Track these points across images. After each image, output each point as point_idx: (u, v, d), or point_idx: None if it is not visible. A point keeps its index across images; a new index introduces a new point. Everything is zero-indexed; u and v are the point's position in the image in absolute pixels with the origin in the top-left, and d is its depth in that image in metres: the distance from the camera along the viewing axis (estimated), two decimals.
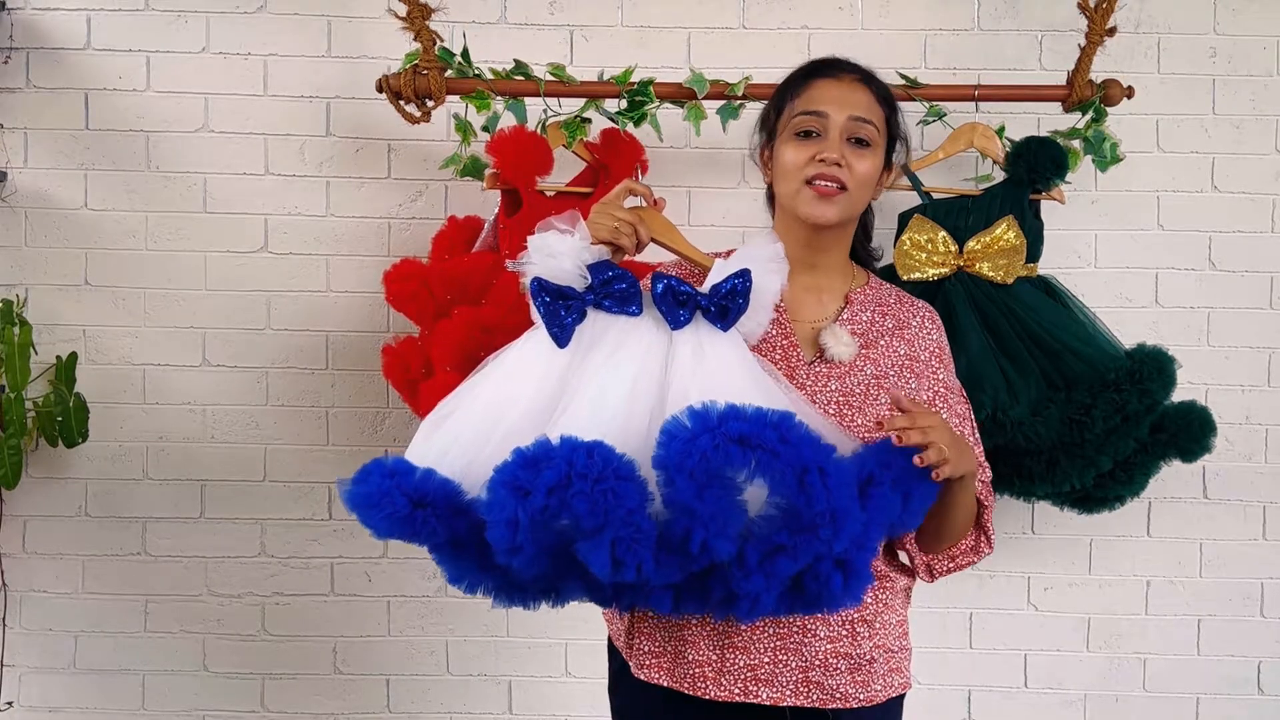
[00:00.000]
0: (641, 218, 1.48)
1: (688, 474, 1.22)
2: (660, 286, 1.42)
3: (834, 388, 1.52)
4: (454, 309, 2.15)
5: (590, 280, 1.43)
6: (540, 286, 1.41)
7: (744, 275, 1.44)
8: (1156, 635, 2.62)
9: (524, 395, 1.39)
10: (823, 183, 1.49)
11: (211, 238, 2.56)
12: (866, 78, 1.56)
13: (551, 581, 1.35)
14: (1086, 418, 2.12)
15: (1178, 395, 2.21)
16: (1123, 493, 2.24)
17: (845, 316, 1.57)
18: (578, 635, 2.59)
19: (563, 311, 1.41)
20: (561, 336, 1.41)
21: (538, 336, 1.44)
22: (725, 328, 1.43)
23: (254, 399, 2.59)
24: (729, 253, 1.56)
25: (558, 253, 1.42)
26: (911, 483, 1.35)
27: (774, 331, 1.54)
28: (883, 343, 1.57)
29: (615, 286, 1.43)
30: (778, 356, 1.53)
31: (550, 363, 1.41)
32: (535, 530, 1.23)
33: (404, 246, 2.54)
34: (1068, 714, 2.63)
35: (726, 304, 1.43)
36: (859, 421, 1.51)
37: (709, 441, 1.23)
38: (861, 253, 1.68)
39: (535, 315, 1.44)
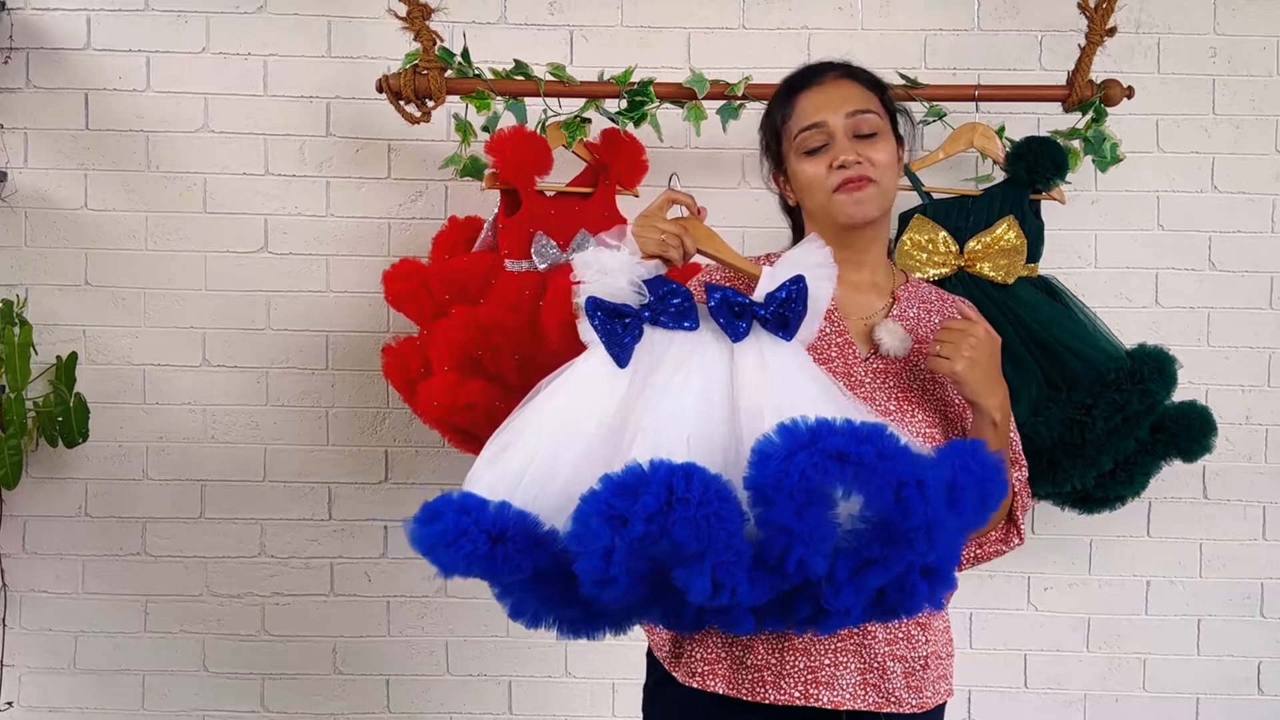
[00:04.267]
0: (686, 228, 1.45)
1: (787, 494, 1.18)
2: (716, 299, 1.39)
3: (891, 384, 1.52)
4: (452, 309, 2.15)
5: (646, 296, 1.39)
6: (595, 305, 1.37)
7: (798, 281, 1.40)
8: (1156, 635, 2.62)
9: (590, 419, 1.35)
10: (850, 185, 1.48)
11: (211, 238, 2.56)
12: (847, 71, 1.55)
13: (634, 610, 1.31)
14: (1087, 418, 2.12)
15: (1178, 395, 2.21)
16: (1123, 493, 2.24)
17: (895, 313, 1.57)
18: None
19: (620, 330, 1.37)
20: (622, 356, 1.37)
21: (595, 358, 1.39)
22: (788, 337, 1.39)
23: (254, 399, 2.59)
24: (769, 257, 1.54)
25: (611, 269, 1.38)
26: (989, 485, 1.31)
27: (828, 329, 1.53)
28: (931, 338, 1.55)
29: (671, 302, 1.39)
30: (833, 354, 1.52)
31: (612, 385, 1.37)
32: (630, 559, 1.18)
33: (404, 246, 2.54)
34: (1068, 714, 2.63)
35: (785, 312, 1.39)
36: (918, 417, 1.51)
37: (807, 459, 1.19)
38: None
39: (589, 335, 1.39)
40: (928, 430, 1.51)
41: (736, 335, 1.39)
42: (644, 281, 1.40)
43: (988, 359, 1.45)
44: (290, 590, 2.61)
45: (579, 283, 1.40)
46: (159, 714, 2.62)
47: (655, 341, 1.39)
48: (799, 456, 1.19)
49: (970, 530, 1.36)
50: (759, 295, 1.42)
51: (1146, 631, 2.62)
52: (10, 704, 2.57)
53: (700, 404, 1.34)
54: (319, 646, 2.62)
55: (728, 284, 1.55)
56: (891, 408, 1.50)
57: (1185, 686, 2.62)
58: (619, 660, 2.54)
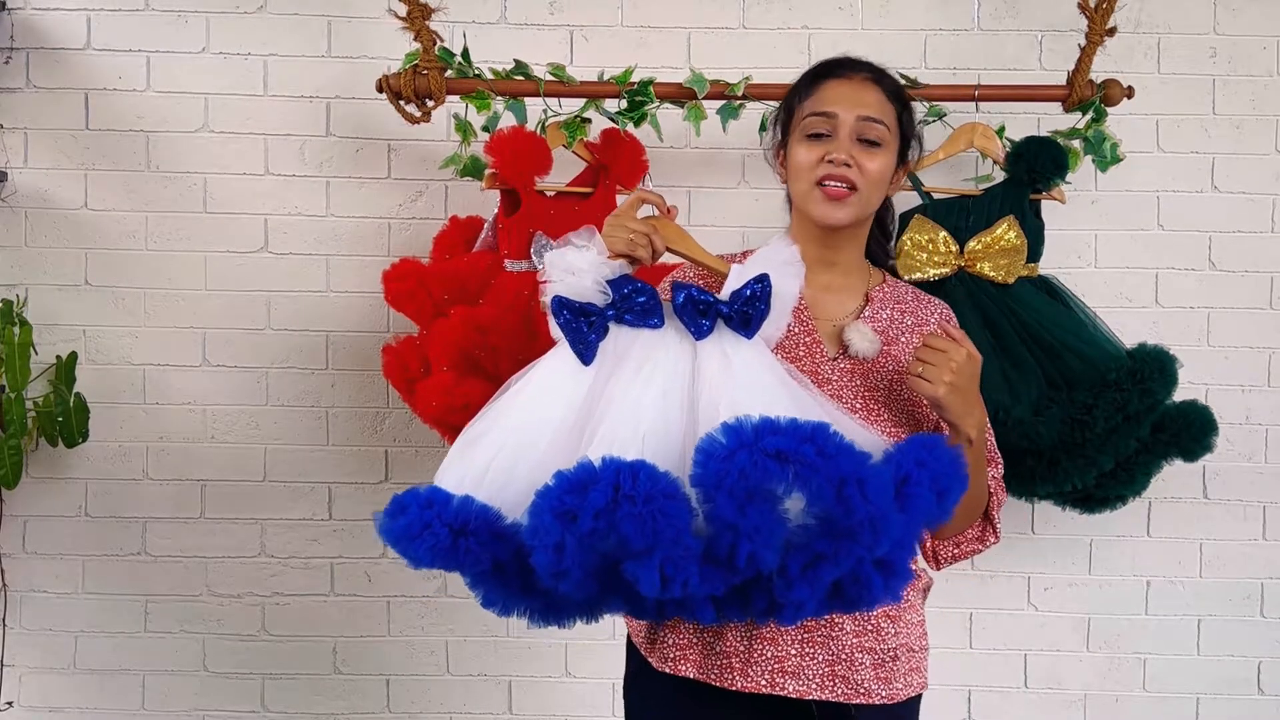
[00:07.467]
0: (655, 227, 1.48)
1: (727, 492, 1.22)
2: (680, 297, 1.42)
3: (858, 384, 1.54)
4: (451, 308, 2.15)
5: (610, 295, 1.42)
6: (561, 304, 1.41)
7: (763, 280, 1.43)
8: (1156, 635, 2.62)
9: (554, 415, 1.39)
10: (833, 184, 1.50)
11: (211, 238, 2.56)
12: (877, 76, 1.56)
13: (594, 600, 1.35)
14: (1088, 417, 2.12)
15: (1178, 395, 2.21)
16: (1124, 492, 2.24)
17: (867, 314, 1.58)
18: (578, 635, 2.57)
19: (585, 329, 1.41)
20: (586, 354, 1.41)
21: (562, 355, 1.44)
22: (749, 335, 1.43)
23: (254, 399, 2.59)
24: (744, 254, 1.56)
25: (578, 269, 1.42)
26: (946, 481, 1.34)
27: (797, 329, 1.54)
28: (903, 340, 1.58)
29: (635, 300, 1.43)
30: (801, 353, 1.54)
31: (577, 381, 1.41)
32: (582, 553, 1.22)
33: (404, 246, 2.54)
34: (1068, 714, 2.63)
35: (748, 310, 1.42)
36: (885, 417, 1.53)
37: (746, 458, 1.22)
38: (878, 251, 1.68)
39: (557, 333, 1.44)
40: (894, 430, 1.53)
41: (700, 333, 1.42)
42: (609, 281, 1.43)
43: (968, 382, 1.46)
44: (290, 590, 2.61)
45: (545, 282, 1.44)
46: (159, 714, 2.62)
47: (620, 339, 1.43)
48: (739, 455, 1.23)
49: (932, 524, 1.39)
50: (725, 293, 1.44)
51: (1146, 631, 2.62)
52: (10, 704, 2.57)
53: (660, 401, 1.38)
54: (319, 646, 2.62)
55: (699, 282, 1.57)
56: (858, 406, 1.52)
57: (1185, 686, 2.62)
58: (619, 660, 2.52)
